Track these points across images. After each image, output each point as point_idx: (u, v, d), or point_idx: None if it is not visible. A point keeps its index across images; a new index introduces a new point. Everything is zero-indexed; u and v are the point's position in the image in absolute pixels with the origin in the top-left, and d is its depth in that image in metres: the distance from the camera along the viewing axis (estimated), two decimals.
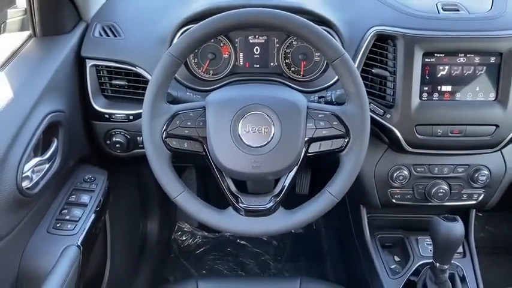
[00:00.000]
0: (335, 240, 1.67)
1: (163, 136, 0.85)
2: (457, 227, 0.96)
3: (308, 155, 0.87)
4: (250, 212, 0.88)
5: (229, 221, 0.88)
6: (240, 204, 0.88)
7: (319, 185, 0.91)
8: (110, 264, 1.25)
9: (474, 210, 1.20)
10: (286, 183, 0.89)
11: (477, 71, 0.98)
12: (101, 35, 1.09)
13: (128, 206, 1.46)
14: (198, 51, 1.14)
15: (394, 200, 1.11)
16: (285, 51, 1.14)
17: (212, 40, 1.14)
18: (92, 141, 1.12)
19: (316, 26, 0.82)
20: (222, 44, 1.14)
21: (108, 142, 1.11)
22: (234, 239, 1.73)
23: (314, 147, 0.86)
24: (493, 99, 0.99)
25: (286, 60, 1.14)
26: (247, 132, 0.84)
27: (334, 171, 0.88)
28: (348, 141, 0.85)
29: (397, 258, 1.19)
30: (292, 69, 1.14)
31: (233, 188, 0.89)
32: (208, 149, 0.86)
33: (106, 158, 1.14)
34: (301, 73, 1.14)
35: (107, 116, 1.08)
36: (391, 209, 1.23)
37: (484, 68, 0.98)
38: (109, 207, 1.23)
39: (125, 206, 1.42)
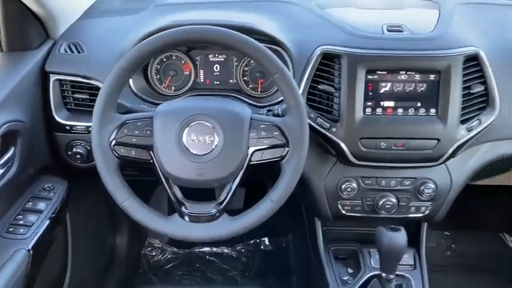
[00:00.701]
0: (303, 256, 1.69)
1: (112, 144, 0.89)
2: (400, 237, 1.00)
3: (251, 163, 0.91)
4: (195, 218, 0.91)
5: (174, 227, 0.91)
6: (186, 211, 0.92)
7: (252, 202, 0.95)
8: (70, 274, 1.27)
9: (426, 223, 1.23)
10: (231, 191, 0.93)
11: (418, 88, 1.04)
12: (66, 51, 1.15)
13: (94, 219, 1.49)
14: (160, 68, 1.21)
15: (344, 212, 1.14)
16: (243, 69, 1.20)
17: (174, 58, 1.21)
18: (54, 151, 1.16)
19: (257, 42, 0.88)
20: (183, 62, 1.21)
21: (69, 153, 1.15)
22: (203, 255, 1.75)
23: (257, 156, 0.91)
24: (434, 114, 1.04)
25: (245, 78, 1.20)
26: (192, 140, 0.88)
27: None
28: (288, 151, 0.90)
29: (350, 270, 1.22)
30: (250, 86, 1.21)
31: (179, 195, 0.93)
32: (155, 157, 0.90)
33: (68, 168, 1.18)
34: (259, 90, 1.21)
35: (68, 127, 1.13)
36: (346, 222, 1.26)
37: (425, 85, 1.03)
38: (72, 218, 1.27)
39: (91, 218, 1.44)
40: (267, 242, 1.81)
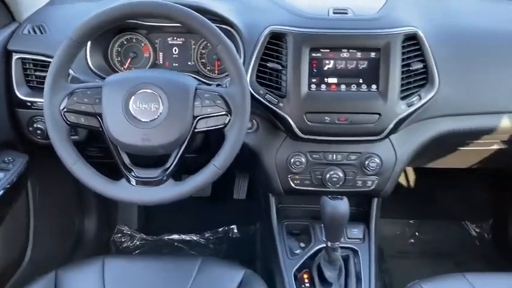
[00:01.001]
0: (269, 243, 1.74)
1: (62, 111, 0.94)
2: (342, 205, 1.04)
3: (196, 130, 0.96)
4: (142, 182, 0.96)
5: (121, 190, 0.96)
6: (133, 176, 0.96)
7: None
8: (31, 250, 1.30)
9: (376, 199, 1.28)
10: (177, 157, 0.97)
11: (359, 65, 1.10)
12: (29, 32, 1.21)
13: (61, 201, 1.53)
14: (121, 50, 1.27)
15: (294, 185, 1.19)
16: (200, 52, 1.26)
17: (134, 41, 1.27)
18: (16, 127, 1.21)
19: (201, 16, 0.94)
20: (143, 44, 1.27)
21: (30, 129, 1.20)
22: (171, 242, 1.79)
23: (201, 124, 0.96)
24: (375, 90, 1.09)
25: (202, 60, 1.26)
26: (138, 108, 0.94)
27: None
28: (230, 119, 0.95)
29: (302, 244, 1.26)
30: (208, 68, 1.26)
31: (127, 161, 0.98)
32: (103, 124, 0.95)
33: (30, 144, 1.23)
34: (216, 71, 1.26)
35: (29, 103, 1.18)
36: (301, 199, 1.31)
37: (366, 62, 1.09)
38: (34, 195, 1.31)
39: (56, 198, 1.48)
40: (235, 230, 1.85)
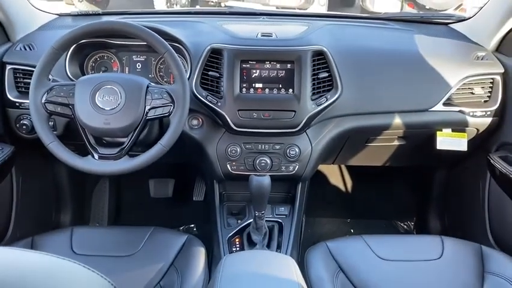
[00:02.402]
0: None
1: (43, 101, 1.23)
2: (265, 179, 1.33)
3: (147, 118, 1.25)
4: (103, 157, 1.24)
5: (87, 163, 1.23)
6: (97, 152, 1.24)
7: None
8: (11, 231, 1.54)
9: (300, 184, 1.57)
10: (132, 139, 1.26)
11: (279, 74, 1.42)
12: (21, 49, 1.51)
13: (42, 194, 1.78)
14: (94, 65, 1.57)
15: (231, 170, 1.48)
16: (159, 67, 1.57)
17: (105, 58, 1.58)
18: (6, 123, 1.48)
19: (151, 31, 1.26)
20: (112, 61, 1.58)
21: (17, 125, 1.48)
22: None
23: (151, 113, 1.25)
24: (291, 93, 1.41)
25: (160, 73, 1.57)
26: (102, 99, 1.23)
27: None
28: (174, 108, 1.25)
29: (239, 221, 1.53)
30: (165, 79, 1.57)
31: (92, 141, 1.26)
32: (74, 112, 1.24)
33: (17, 138, 1.50)
34: (171, 82, 1.57)
35: (17, 104, 1.46)
36: (240, 186, 1.59)
37: (284, 71, 1.42)
38: (17, 185, 1.56)
39: (37, 190, 1.73)
40: (194, 229, 2.10)
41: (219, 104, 1.41)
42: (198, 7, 4.93)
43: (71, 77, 1.46)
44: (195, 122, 1.48)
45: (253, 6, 4.95)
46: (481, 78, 1.50)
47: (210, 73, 1.42)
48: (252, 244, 1.41)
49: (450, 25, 1.79)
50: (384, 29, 1.72)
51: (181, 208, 2.17)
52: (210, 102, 1.41)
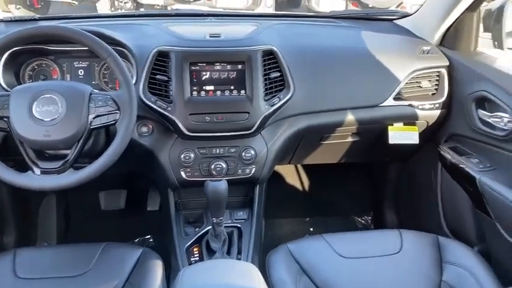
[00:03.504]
0: None
1: None
2: (221, 184, 1.29)
3: (91, 127, 1.17)
4: (45, 172, 1.15)
5: (27, 179, 1.13)
6: (38, 167, 1.15)
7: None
8: None
9: (258, 187, 1.54)
10: (76, 150, 1.17)
11: (230, 75, 1.38)
12: None
13: None
14: (32, 74, 1.46)
15: (185, 177, 1.42)
16: (103, 73, 1.49)
17: (44, 65, 1.47)
18: None
19: (92, 35, 1.18)
20: (51, 68, 1.47)
21: None
22: None
23: (96, 121, 1.17)
24: (244, 94, 1.38)
25: (105, 79, 1.49)
26: (40, 110, 1.13)
27: None
28: (120, 115, 1.18)
29: (197, 229, 1.48)
30: (110, 86, 1.49)
31: (32, 156, 1.16)
32: (10, 125, 1.13)
33: None
34: (117, 88, 1.49)
35: None
36: (197, 193, 1.53)
37: (235, 72, 1.38)
38: None
39: None
40: (151, 240, 2.02)
41: (169, 108, 1.35)
42: (142, 10, 4.79)
43: (5, 87, 1.35)
44: (144, 129, 1.40)
45: (200, 8, 4.89)
46: (427, 71, 1.54)
47: (157, 77, 1.36)
48: (211, 252, 1.36)
49: (395, 21, 1.83)
50: (332, 27, 1.72)
51: (136, 219, 2.08)
52: (160, 107, 1.35)
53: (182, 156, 1.40)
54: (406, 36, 1.69)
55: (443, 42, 1.63)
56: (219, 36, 1.45)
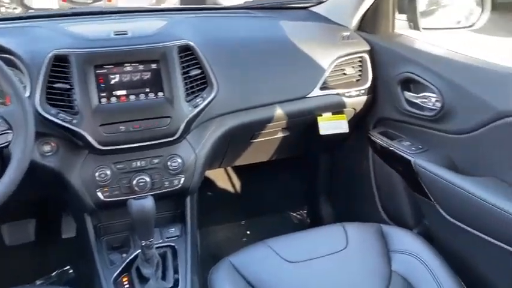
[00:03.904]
0: None
1: None
2: (146, 202, 1.12)
3: None
4: None
5: None
6: None
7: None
8: None
9: (189, 198, 1.39)
10: None
11: (144, 76, 1.22)
12: None
13: None
14: None
15: (104, 198, 1.23)
16: None
17: None
18: None
19: None
20: None
21: None
22: None
23: None
24: (162, 96, 1.22)
25: None
26: None
27: None
28: (13, 135, 0.97)
29: (124, 255, 1.29)
30: (0, 100, 1.25)
31: None
32: None
33: None
34: (7, 104, 1.25)
35: None
36: (119, 214, 1.35)
37: (149, 73, 1.22)
38: None
39: None
40: (70, 271, 1.77)
41: (75, 121, 1.15)
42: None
43: None
44: (46, 147, 1.19)
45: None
46: (350, 58, 1.50)
47: (57, 85, 1.16)
48: (143, 280, 1.18)
49: (310, 8, 1.77)
50: (248, 18, 1.62)
51: (50, 250, 1.81)
52: (63, 120, 1.15)
53: (97, 174, 1.21)
54: (324, 23, 1.65)
55: (361, 26, 1.61)
56: (126, 34, 1.27)
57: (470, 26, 1.52)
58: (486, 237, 1.13)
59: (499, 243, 1.10)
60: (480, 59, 1.24)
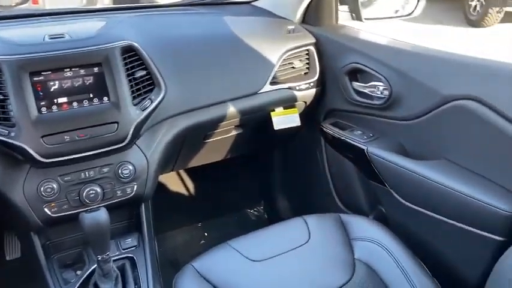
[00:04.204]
0: None
1: None
2: (100, 214, 1.06)
3: None
4: None
5: None
6: None
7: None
8: None
9: (143, 205, 1.33)
10: None
11: (86, 81, 1.14)
12: None
13: None
14: None
15: (51, 214, 1.15)
16: None
17: None
18: None
19: None
20: None
21: None
22: None
23: None
24: (107, 101, 1.15)
25: None
26: None
27: None
28: None
29: (79, 272, 1.21)
30: None
31: None
32: None
33: None
34: None
35: None
36: (70, 229, 1.27)
37: (91, 77, 1.14)
38: None
39: None
40: None
41: (12, 134, 1.06)
42: None
43: None
44: None
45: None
46: (297, 51, 1.50)
47: None
48: None
49: (253, 3, 1.76)
50: (190, 14, 1.58)
51: None
52: None
53: (42, 189, 1.12)
54: (268, 18, 1.64)
55: (305, 19, 1.62)
56: (63, 37, 1.18)
57: (408, 15, 1.58)
58: (439, 216, 1.18)
59: (451, 221, 1.15)
60: (424, 47, 1.29)
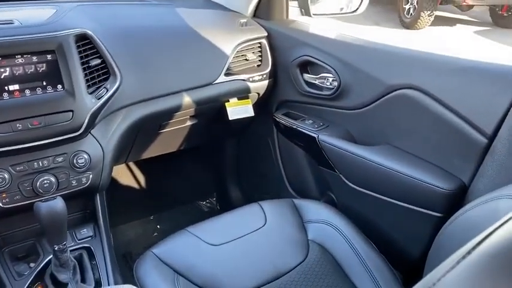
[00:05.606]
0: None
1: None
2: (57, 204, 1.04)
3: None
4: None
5: None
6: None
7: None
8: None
9: (98, 195, 1.32)
10: None
11: (39, 68, 1.11)
12: None
13: None
14: None
15: (3, 205, 1.11)
16: None
17: None
18: None
19: None
20: None
21: None
22: None
23: None
24: (62, 89, 1.13)
25: None
26: None
27: None
28: None
29: (32, 264, 1.19)
30: None
31: None
32: None
33: None
34: None
35: None
36: (20, 221, 1.23)
37: (44, 64, 1.12)
38: None
39: None
40: None
41: None
42: None
43: None
44: None
45: None
46: (250, 43, 1.55)
47: None
48: (61, 286, 1.10)
49: None
50: (143, 6, 1.57)
51: None
52: None
53: None
54: (221, 11, 1.67)
55: (256, 14, 1.67)
56: (12, 23, 1.15)
57: (353, 12, 1.67)
58: (384, 197, 1.27)
59: (395, 201, 1.24)
60: (370, 41, 1.38)
